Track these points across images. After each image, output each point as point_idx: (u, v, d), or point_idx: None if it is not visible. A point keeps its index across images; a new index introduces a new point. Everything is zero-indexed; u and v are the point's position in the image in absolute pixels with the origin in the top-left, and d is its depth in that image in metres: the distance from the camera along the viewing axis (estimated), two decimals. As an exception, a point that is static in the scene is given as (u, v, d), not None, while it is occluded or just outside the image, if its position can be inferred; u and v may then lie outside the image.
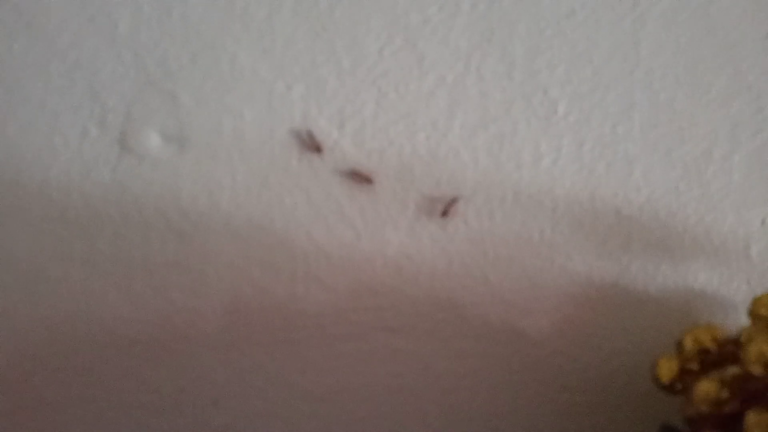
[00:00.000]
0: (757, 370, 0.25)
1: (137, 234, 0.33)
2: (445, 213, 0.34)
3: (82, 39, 0.34)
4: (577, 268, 0.35)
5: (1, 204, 0.33)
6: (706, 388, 0.25)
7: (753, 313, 0.28)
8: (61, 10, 0.34)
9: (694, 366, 0.27)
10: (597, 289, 0.35)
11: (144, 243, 0.33)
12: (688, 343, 0.28)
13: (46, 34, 0.34)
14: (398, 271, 0.34)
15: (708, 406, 0.25)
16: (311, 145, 0.34)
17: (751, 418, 0.24)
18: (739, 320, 0.33)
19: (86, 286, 0.33)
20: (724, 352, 0.28)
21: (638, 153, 0.36)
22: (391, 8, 0.36)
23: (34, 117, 0.34)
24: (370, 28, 0.36)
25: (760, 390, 0.25)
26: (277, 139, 0.34)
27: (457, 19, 0.36)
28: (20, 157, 0.33)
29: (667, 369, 0.27)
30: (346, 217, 0.34)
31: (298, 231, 0.34)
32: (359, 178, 0.34)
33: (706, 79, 0.36)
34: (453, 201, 0.35)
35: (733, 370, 0.26)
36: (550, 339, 0.34)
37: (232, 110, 0.34)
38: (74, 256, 0.33)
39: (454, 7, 0.36)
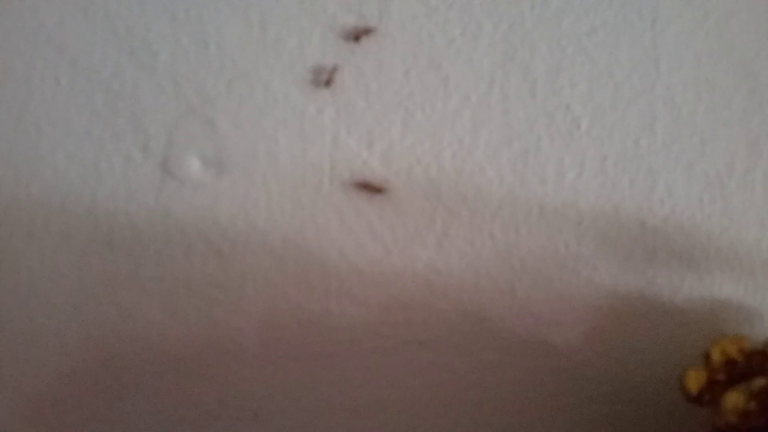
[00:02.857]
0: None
1: (180, 254, 0.35)
2: (328, 82, 0.35)
3: (124, 71, 0.36)
4: (602, 280, 0.35)
5: (50, 229, 0.35)
6: (734, 399, 0.26)
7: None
8: (102, 45, 0.36)
9: (721, 377, 0.28)
10: (623, 300, 0.35)
11: (186, 263, 0.35)
12: (716, 355, 0.28)
13: (89, 68, 0.36)
14: (428, 285, 0.35)
15: (736, 418, 0.26)
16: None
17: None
18: (765, 330, 0.34)
19: (132, 305, 0.34)
20: (751, 363, 0.28)
21: (661, 167, 0.36)
22: (416, 32, 0.37)
23: (80, 146, 0.35)
24: (396, 52, 0.37)
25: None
26: (309, 161, 0.36)
27: (480, 40, 0.37)
28: (68, 184, 0.35)
29: (695, 380, 0.28)
30: (377, 235, 0.35)
31: (330, 248, 0.35)
32: (371, 188, 0.35)
33: (725, 94, 0.37)
34: (333, 70, 0.35)
35: (760, 382, 0.26)
36: (577, 351, 0.35)
37: (267, 135, 0.36)
38: (120, 277, 0.35)
39: (477, 29, 0.37)
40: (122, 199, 0.35)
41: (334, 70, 0.36)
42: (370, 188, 0.35)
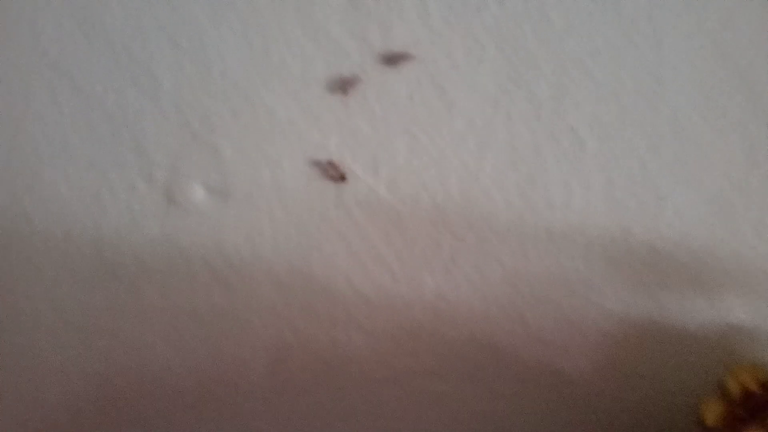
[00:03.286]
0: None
1: (184, 285, 0.34)
2: (345, 90, 0.35)
3: (127, 98, 0.35)
4: (613, 306, 0.35)
5: (53, 260, 0.34)
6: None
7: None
8: (105, 72, 0.35)
9: (739, 410, 0.27)
10: (634, 326, 0.35)
11: (191, 293, 0.34)
12: (733, 386, 0.28)
13: (92, 96, 0.35)
14: (436, 313, 0.35)
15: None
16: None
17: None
18: (779, 354, 0.33)
19: (136, 338, 0.34)
20: (768, 395, 0.28)
21: (668, 188, 0.36)
22: (420, 56, 0.37)
23: (83, 175, 0.35)
24: (400, 76, 0.36)
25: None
26: (314, 187, 0.35)
27: (484, 63, 0.37)
28: (71, 214, 0.35)
29: (713, 413, 0.27)
30: (384, 261, 0.35)
31: (337, 276, 0.35)
32: (333, 174, 0.35)
33: (732, 114, 0.37)
34: (349, 81, 0.35)
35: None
36: (588, 379, 0.34)
37: (271, 161, 0.35)
38: (125, 309, 0.34)
39: (481, 52, 0.37)
40: (126, 229, 0.34)
41: (351, 82, 0.36)
42: (333, 175, 0.35)
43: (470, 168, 0.36)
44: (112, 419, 0.34)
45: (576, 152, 0.36)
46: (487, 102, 0.37)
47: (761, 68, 0.36)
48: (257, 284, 0.34)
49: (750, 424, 0.25)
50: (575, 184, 0.36)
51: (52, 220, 0.34)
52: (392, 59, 0.36)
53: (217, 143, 0.35)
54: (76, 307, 0.34)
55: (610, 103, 0.37)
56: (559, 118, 0.36)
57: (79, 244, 0.34)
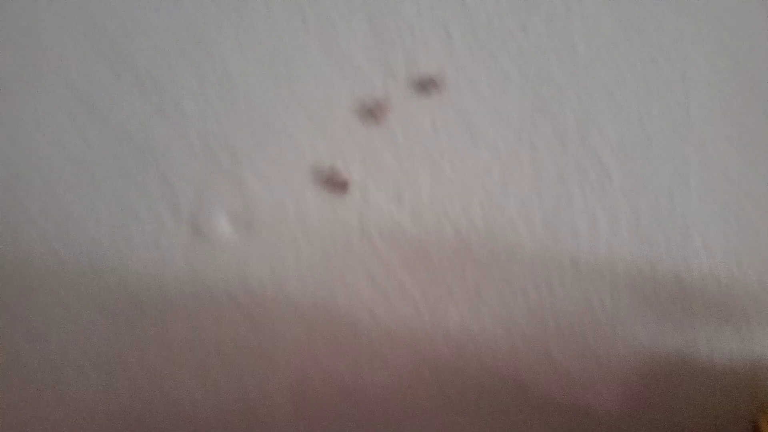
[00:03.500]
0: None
1: (209, 318, 0.34)
2: (377, 116, 0.35)
3: (153, 129, 0.35)
4: (640, 340, 0.35)
5: (81, 295, 0.34)
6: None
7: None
8: (131, 104, 0.36)
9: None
10: (661, 360, 0.34)
11: (215, 327, 0.34)
12: (765, 427, 0.27)
13: (118, 128, 0.36)
14: (460, 347, 0.34)
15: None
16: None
17: None
18: (811, 392, 0.33)
19: (162, 371, 0.34)
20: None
21: (696, 219, 0.36)
22: (443, 84, 0.37)
23: (110, 208, 0.35)
24: (423, 105, 0.36)
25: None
26: (338, 218, 0.35)
27: (508, 92, 0.36)
28: (98, 248, 0.35)
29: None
30: (407, 293, 0.35)
31: (361, 310, 0.35)
32: (336, 185, 0.35)
33: (760, 144, 0.36)
34: (380, 105, 0.35)
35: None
36: (615, 415, 0.34)
37: (295, 191, 0.35)
38: (150, 342, 0.34)
39: (505, 81, 0.37)
40: (152, 262, 0.34)
41: (375, 111, 0.36)
42: (335, 185, 0.35)
43: (494, 198, 0.36)
44: (137, 455, 0.34)
45: (602, 182, 0.36)
46: (511, 131, 0.36)
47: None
48: (281, 318, 0.34)
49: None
50: (601, 214, 0.36)
51: (79, 254, 0.35)
52: (416, 88, 0.36)
53: (241, 174, 0.35)
54: (103, 342, 0.34)
55: (637, 132, 0.36)
56: (584, 147, 0.36)
57: (106, 278, 0.34)
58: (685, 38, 0.36)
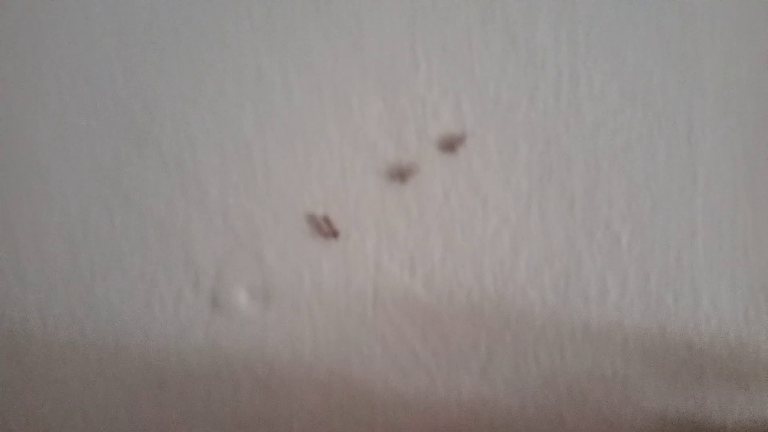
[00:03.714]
0: None
1: (227, 390, 0.35)
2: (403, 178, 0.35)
3: (176, 207, 0.37)
4: (651, 405, 0.35)
5: (104, 370, 0.35)
6: None
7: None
8: (157, 184, 0.37)
9: None
10: (673, 426, 0.35)
11: (233, 398, 0.35)
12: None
13: (142, 205, 0.37)
14: (473, 415, 0.35)
15: None
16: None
17: None
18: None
19: (182, 444, 0.35)
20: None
21: (704, 281, 0.36)
22: (454, 155, 0.38)
23: (133, 285, 0.36)
24: (435, 176, 0.37)
25: None
26: (353, 288, 0.36)
27: (517, 161, 0.37)
28: (121, 324, 0.36)
29: None
30: (421, 362, 0.36)
31: (375, 379, 0.35)
32: (327, 231, 0.35)
33: (766, 203, 0.36)
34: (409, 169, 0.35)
35: None
36: (629, 484, 0.34)
37: (311, 264, 0.36)
38: (171, 417, 0.35)
39: (513, 150, 0.37)
40: (173, 337, 0.36)
41: (412, 169, 0.36)
42: (326, 231, 0.35)
43: (505, 265, 0.36)
44: None
45: (611, 247, 0.36)
46: (520, 198, 0.37)
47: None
48: (298, 388, 0.35)
49: None
50: (611, 279, 0.36)
51: (103, 330, 0.36)
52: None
53: (260, 248, 0.36)
54: (125, 417, 0.35)
55: (644, 197, 0.37)
56: (593, 213, 0.37)
57: (129, 353, 0.35)
58: (689, 103, 0.37)
